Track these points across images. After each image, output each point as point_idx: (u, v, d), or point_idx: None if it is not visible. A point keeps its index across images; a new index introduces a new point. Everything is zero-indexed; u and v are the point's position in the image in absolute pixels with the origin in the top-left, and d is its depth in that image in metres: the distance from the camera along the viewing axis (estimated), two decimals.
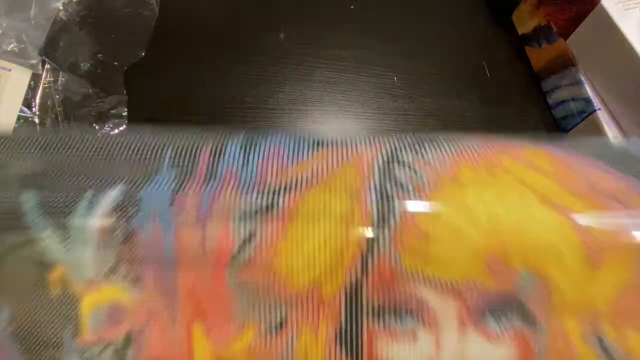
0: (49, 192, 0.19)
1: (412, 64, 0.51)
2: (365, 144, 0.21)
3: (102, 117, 0.45)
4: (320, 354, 0.18)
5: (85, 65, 0.47)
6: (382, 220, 0.18)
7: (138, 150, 0.22)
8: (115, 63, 0.47)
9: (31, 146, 0.22)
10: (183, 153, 0.21)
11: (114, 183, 0.19)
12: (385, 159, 0.20)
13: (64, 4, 0.47)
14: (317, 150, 0.21)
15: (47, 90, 0.45)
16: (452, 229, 0.18)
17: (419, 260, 0.18)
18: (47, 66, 0.46)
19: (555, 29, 0.47)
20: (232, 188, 0.19)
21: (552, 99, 0.49)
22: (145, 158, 0.21)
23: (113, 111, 0.45)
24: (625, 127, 0.43)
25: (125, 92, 0.46)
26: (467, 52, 0.52)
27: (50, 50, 0.46)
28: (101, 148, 0.22)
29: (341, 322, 0.18)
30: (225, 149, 0.21)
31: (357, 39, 0.52)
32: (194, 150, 0.21)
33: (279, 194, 0.19)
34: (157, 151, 0.21)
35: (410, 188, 0.19)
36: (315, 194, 0.19)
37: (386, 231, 0.18)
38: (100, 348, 0.19)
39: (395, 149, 0.21)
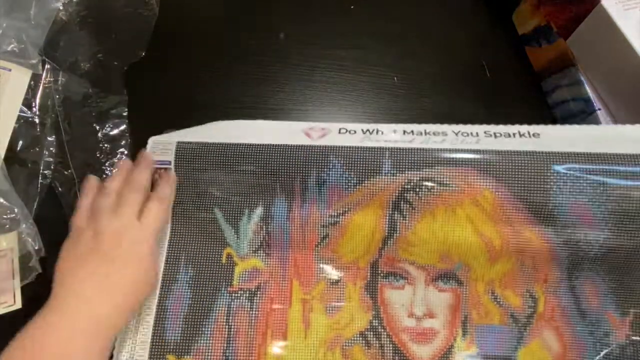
0: (225, 207, 0.39)
1: (412, 64, 0.50)
2: (391, 178, 0.37)
3: (102, 117, 0.45)
4: (357, 296, 0.38)
5: (85, 65, 0.46)
6: (390, 234, 0.38)
7: (263, 177, 0.38)
8: (115, 63, 0.47)
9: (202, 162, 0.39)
10: (285, 183, 0.38)
11: (256, 204, 0.39)
12: (396, 198, 0.37)
13: (64, 4, 0.47)
14: (358, 187, 0.37)
15: (47, 91, 0.45)
16: (424, 240, 0.37)
17: (406, 254, 0.38)
18: (47, 66, 0.45)
19: (555, 29, 0.46)
20: (315, 208, 0.38)
21: (552, 99, 0.49)
22: (267, 184, 0.39)
23: (113, 111, 0.45)
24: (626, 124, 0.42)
25: (125, 91, 0.46)
26: (467, 52, 0.51)
27: (50, 50, 0.46)
28: (241, 168, 0.39)
29: (367, 280, 0.38)
30: (307, 184, 0.38)
31: (357, 39, 0.52)
32: (290, 182, 0.38)
33: (340, 214, 0.38)
34: (272, 181, 0.38)
35: (407, 216, 0.37)
36: (358, 214, 0.38)
37: (391, 239, 0.38)
38: (241, 293, 0.37)
39: (404, 190, 0.37)
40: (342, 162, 0.38)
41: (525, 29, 0.51)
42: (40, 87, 0.44)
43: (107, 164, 0.43)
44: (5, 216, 0.38)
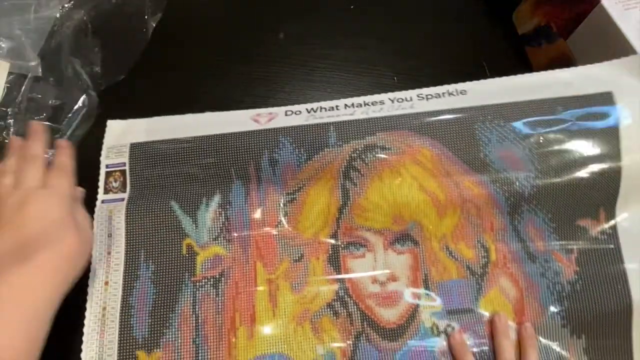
0: (182, 199, 0.39)
1: (412, 64, 0.49)
2: (338, 149, 0.39)
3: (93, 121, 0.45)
4: (320, 270, 0.39)
5: (83, 70, 0.46)
6: (344, 202, 0.39)
7: (217, 166, 0.40)
8: (113, 68, 0.47)
9: (158, 156, 0.40)
10: (240, 168, 0.40)
11: (213, 192, 0.40)
12: (345, 168, 0.39)
13: (61, 9, 0.47)
14: (309, 162, 0.39)
15: (24, 96, 0.44)
16: (376, 204, 0.39)
17: (362, 220, 0.39)
18: (39, 69, 0.44)
19: (555, 29, 0.46)
20: (272, 188, 0.40)
21: None
22: (223, 172, 0.40)
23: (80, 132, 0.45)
24: None
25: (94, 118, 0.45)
26: (467, 52, 0.50)
27: (47, 53, 0.45)
28: (195, 161, 0.40)
29: (329, 253, 0.39)
30: (261, 166, 0.39)
31: (357, 39, 0.51)
32: (244, 166, 0.40)
33: (296, 191, 0.40)
34: (227, 167, 0.40)
35: (357, 183, 0.39)
36: (312, 189, 0.40)
37: (346, 208, 0.39)
38: (205, 281, 0.37)
39: (351, 159, 0.39)
40: (290, 141, 0.40)
41: (525, 29, 0.51)
42: (22, 92, 0.44)
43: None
44: None
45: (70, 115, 0.45)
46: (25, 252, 0.30)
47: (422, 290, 0.38)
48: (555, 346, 0.37)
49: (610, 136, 0.38)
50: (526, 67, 0.51)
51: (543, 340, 0.37)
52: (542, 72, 0.42)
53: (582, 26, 0.43)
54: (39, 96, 0.45)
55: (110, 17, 0.48)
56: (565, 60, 0.46)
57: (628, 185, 0.38)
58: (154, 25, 0.50)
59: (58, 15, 0.47)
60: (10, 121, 0.43)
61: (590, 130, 0.38)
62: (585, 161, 0.38)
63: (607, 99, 0.39)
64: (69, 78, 0.46)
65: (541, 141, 0.38)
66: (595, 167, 0.38)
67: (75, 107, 0.45)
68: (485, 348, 0.37)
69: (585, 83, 0.40)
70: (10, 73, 0.44)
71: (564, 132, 0.38)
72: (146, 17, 0.49)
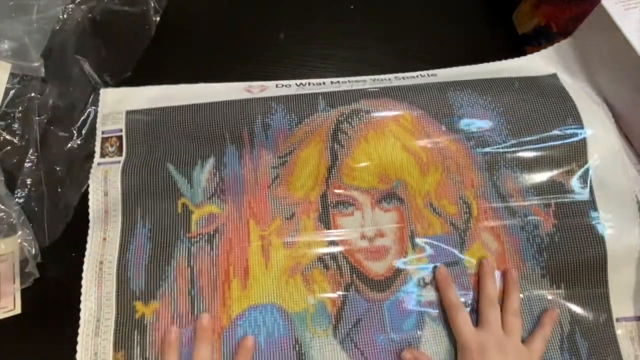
0: (177, 162, 0.41)
1: (412, 64, 0.49)
2: (327, 114, 0.42)
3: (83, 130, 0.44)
4: (311, 227, 0.40)
5: (84, 70, 0.46)
6: (333, 163, 0.41)
7: (211, 131, 0.41)
8: (118, 66, 0.47)
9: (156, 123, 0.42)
10: (234, 133, 0.42)
11: (208, 155, 0.41)
12: (333, 131, 0.41)
13: (64, 9, 0.47)
14: (299, 125, 0.42)
15: (33, 102, 0.43)
16: (362, 164, 0.41)
17: (349, 179, 0.41)
18: (42, 70, 0.44)
19: (555, 29, 0.46)
20: (264, 152, 0.42)
21: None
22: (217, 137, 0.42)
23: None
24: (625, 124, 0.43)
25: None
26: (467, 52, 0.50)
27: (52, 53, 0.45)
28: (190, 127, 0.42)
29: (319, 212, 0.41)
30: (254, 130, 0.42)
31: (357, 39, 0.52)
32: (238, 131, 0.42)
33: (287, 154, 0.42)
34: (221, 133, 0.42)
35: (345, 145, 0.41)
36: (302, 151, 0.42)
37: (335, 168, 0.41)
38: (200, 237, 0.39)
39: (339, 122, 0.41)
40: (282, 107, 0.42)
41: (525, 29, 0.51)
42: (27, 96, 0.44)
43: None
44: (3, 221, 0.38)
45: (80, 113, 0.45)
46: None
47: (408, 245, 0.40)
48: (536, 296, 0.39)
49: (565, 99, 0.43)
50: None
51: (525, 291, 0.39)
52: (498, 62, 0.47)
53: (582, 26, 0.43)
54: (47, 97, 0.44)
55: (113, 15, 0.49)
56: None
57: (593, 135, 0.41)
58: (157, 20, 0.50)
59: (61, 15, 0.47)
60: (16, 124, 0.43)
61: (548, 101, 0.43)
62: (551, 120, 0.42)
63: (553, 77, 0.44)
64: (76, 77, 0.46)
65: (508, 104, 0.42)
66: (560, 124, 0.42)
67: (86, 105, 0.45)
68: (470, 299, 0.38)
69: (536, 67, 0.45)
70: (14, 74, 0.44)
71: (527, 99, 0.43)
72: (149, 14, 0.50)
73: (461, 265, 0.39)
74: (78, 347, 0.35)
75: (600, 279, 0.39)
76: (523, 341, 0.37)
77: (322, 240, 0.40)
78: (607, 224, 0.39)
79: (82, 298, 0.36)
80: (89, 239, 0.38)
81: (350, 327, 0.37)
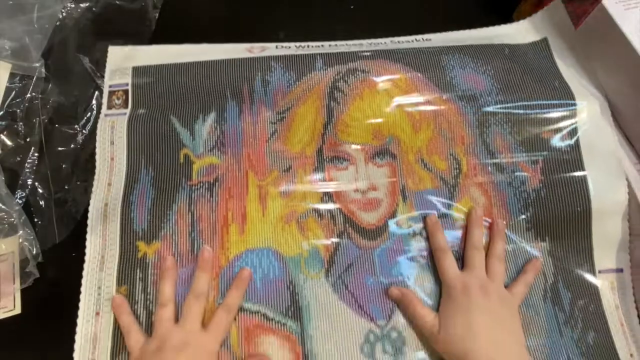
0: (180, 115, 0.43)
1: None
2: (324, 72, 0.44)
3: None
4: (307, 179, 0.42)
5: (86, 67, 0.46)
6: (329, 120, 0.43)
7: (213, 88, 0.43)
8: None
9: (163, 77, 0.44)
10: (235, 90, 0.44)
11: (210, 110, 0.43)
12: (330, 88, 0.43)
13: (63, 8, 0.47)
14: (297, 83, 0.44)
15: (35, 101, 0.44)
16: (357, 119, 0.43)
17: (344, 135, 0.43)
18: (42, 70, 0.44)
19: None
20: (264, 108, 0.43)
21: None
22: (218, 93, 0.44)
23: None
24: (626, 123, 0.43)
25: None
26: None
27: (53, 52, 0.46)
28: (193, 83, 0.44)
29: (315, 166, 0.42)
30: (254, 87, 0.43)
31: (357, 38, 0.50)
32: (239, 88, 0.44)
33: (285, 110, 0.43)
34: (222, 89, 0.44)
35: (341, 102, 0.43)
36: (300, 108, 0.43)
37: (330, 124, 0.43)
38: (200, 185, 0.41)
39: (335, 80, 0.43)
40: (281, 65, 0.44)
41: None
42: (28, 95, 0.44)
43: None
44: (3, 221, 0.39)
45: (84, 111, 0.45)
46: None
47: (399, 198, 0.41)
48: (521, 248, 0.40)
49: (554, 65, 0.45)
50: None
51: (510, 243, 0.40)
52: (492, 27, 0.49)
53: (582, 26, 0.44)
54: (49, 95, 0.45)
55: (113, 12, 0.49)
56: None
57: (581, 98, 0.43)
58: (156, 16, 0.50)
59: (60, 14, 0.47)
60: (19, 123, 0.43)
61: (537, 66, 0.45)
62: (540, 83, 0.44)
63: (543, 42, 0.47)
64: (77, 75, 0.46)
65: (499, 68, 0.44)
66: (549, 87, 0.44)
67: (89, 102, 0.45)
68: (456, 248, 0.40)
69: (527, 34, 0.48)
70: (15, 74, 0.44)
71: (518, 60, 0.45)
72: (149, 9, 0.50)
73: (449, 218, 0.41)
74: (83, 281, 0.37)
75: (584, 233, 0.41)
76: (506, 286, 0.38)
77: (317, 191, 0.41)
78: (593, 180, 0.41)
79: (87, 235, 0.38)
80: (94, 183, 0.40)
81: (341, 271, 0.39)
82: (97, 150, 0.41)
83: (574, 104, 0.42)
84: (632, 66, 0.40)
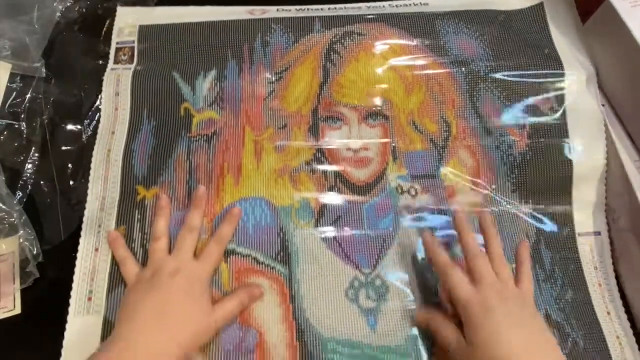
0: (182, 71, 0.45)
1: None
2: (321, 34, 0.46)
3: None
4: (301, 136, 0.44)
5: (89, 65, 0.46)
6: (325, 80, 0.45)
7: (215, 47, 0.46)
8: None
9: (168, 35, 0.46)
10: (235, 50, 0.46)
11: (210, 67, 0.45)
12: (326, 50, 0.45)
13: (63, 9, 0.47)
14: (296, 44, 0.46)
15: (37, 100, 0.44)
16: (352, 81, 0.45)
17: (339, 96, 0.45)
18: (43, 70, 0.44)
19: None
20: (262, 67, 0.45)
21: None
22: (219, 52, 0.46)
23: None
24: (628, 119, 0.43)
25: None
26: None
27: (51, 53, 0.46)
28: (196, 42, 0.46)
29: (310, 124, 0.44)
30: (254, 47, 0.46)
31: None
32: (239, 48, 0.46)
33: (283, 71, 0.45)
34: (224, 48, 0.46)
35: (337, 64, 0.45)
36: (297, 69, 0.45)
37: (326, 85, 0.45)
38: (199, 137, 0.43)
39: (332, 42, 0.45)
40: (280, 27, 0.45)
41: None
42: (29, 95, 0.44)
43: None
44: (4, 221, 0.38)
45: (89, 109, 0.45)
46: (161, 320, 0.33)
47: (390, 157, 0.43)
48: (506, 210, 0.42)
49: (546, 32, 0.47)
50: None
51: (496, 205, 0.42)
52: None
53: (589, 23, 0.44)
54: (51, 94, 0.44)
55: (112, 10, 0.49)
56: None
57: (569, 65, 0.44)
58: None
59: (60, 12, 0.47)
60: (21, 123, 0.43)
61: (529, 34, 0.47)
62: (531, 51, 0.45)
63: (539, 7, 0.48)
64: (80, 73, 0.46)
65: (492, 34, 0.46)
66: (540, 55, 0.45)
67: (94, 100, 0.45)
68: (444, 207, 0.41)
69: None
70: (15, 74, 0.44)
71: (512, 27, 0.46)
72: (148, 4, 0.49)
73: (437, 179, 0.42)
74: (84, 219, 0.39)
75: (565, 197, 0.42)
76: None
77: (310, 148, 0.43)
78: (576, 146, 0.42)
79: (90, 178, 0.40)
80: (99, 131, 0.42)
81: (330, 222, 0.40)
82: (103, 101, 0.43)
83: (562, 74, 0.44)
84: (638, 63, 0.40)
